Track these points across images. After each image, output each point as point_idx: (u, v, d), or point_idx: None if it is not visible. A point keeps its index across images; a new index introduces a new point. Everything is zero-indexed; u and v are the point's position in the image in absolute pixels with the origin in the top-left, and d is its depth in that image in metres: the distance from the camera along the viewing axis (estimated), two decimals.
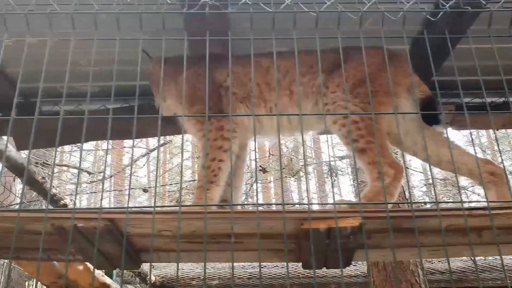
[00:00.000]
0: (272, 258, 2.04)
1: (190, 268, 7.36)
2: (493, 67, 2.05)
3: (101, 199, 1.66)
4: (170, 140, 7.52)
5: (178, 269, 1.77)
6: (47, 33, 1.74)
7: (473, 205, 1.98)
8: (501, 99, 3.27)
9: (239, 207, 2.22)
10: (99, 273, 3.62)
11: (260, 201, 8.81)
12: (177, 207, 1.63)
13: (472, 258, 2.05)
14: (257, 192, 1.96)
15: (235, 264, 7.34)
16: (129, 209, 1.54)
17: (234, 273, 6.99)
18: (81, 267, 3.17)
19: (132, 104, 3.18)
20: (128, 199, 1.66)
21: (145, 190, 6.42)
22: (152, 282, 6.37)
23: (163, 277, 7.24)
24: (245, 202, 7.91)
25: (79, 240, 1.79)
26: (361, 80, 2.27)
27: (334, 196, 1.90)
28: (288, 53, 2.36)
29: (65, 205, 3.92)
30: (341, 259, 1.54)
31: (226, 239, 1.83)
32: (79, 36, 1.78)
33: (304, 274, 6.63)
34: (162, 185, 7.27)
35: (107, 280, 3.78)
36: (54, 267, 3.07)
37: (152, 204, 1.66)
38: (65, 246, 1.86)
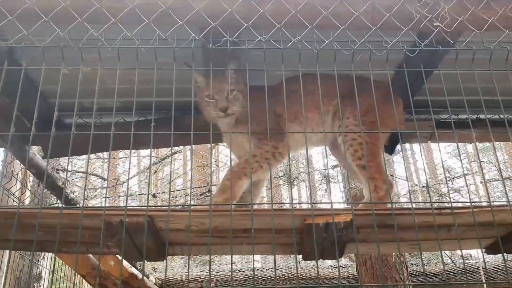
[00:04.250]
0: (278, 250, 2.45)
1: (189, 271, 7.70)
2: (468, 89, 2.51)
3: (148, 200, 2.05)
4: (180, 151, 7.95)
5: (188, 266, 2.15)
6: (98, 63, 2.13)
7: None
8: (475, 116, 3.70)
9: (255, 206, 2.62)
10: (127, 265, 4.00)
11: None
12: (208, 205, 2.03)
13: (440, 252, 2.47)
14: (271, 193, 2.35)
15: (233, 266, 7.69)
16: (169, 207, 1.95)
17: (230, 275, 7.33)
18: (112, 260, 3.54)
19: (148, 118, 3.58)
20: (169, 199, 2.06)
21: (154, 196, 6.82)
22: (153, 283, 6.72)
23: (162, 279, 7.58)
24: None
25: (121, 234, 2.17)
26: (367, 110, 2.71)
27: (330, 197, 2.30)
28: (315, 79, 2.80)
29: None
30: (337, 249, 1.96)
31: (242, 234, 2.23)
32: (123, 66, 2.17)
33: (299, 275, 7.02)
34: (172, 191, 7.67)
35: (134, 271, 4.18)
36: (89, 259, 3.42)
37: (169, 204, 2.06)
38: (107, 239, 2.24)
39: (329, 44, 2.19)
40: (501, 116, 3.29)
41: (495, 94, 2.27)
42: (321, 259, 2.46)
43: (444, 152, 8.53)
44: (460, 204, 2.31)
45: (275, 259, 1.92)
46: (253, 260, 2.05)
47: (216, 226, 2.17)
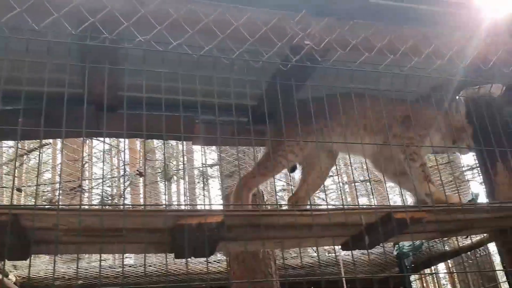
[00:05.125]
0: (151, 249, 2.48)
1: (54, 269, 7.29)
2: None
3: (12, 196, 1.95)
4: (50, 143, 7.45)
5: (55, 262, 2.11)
6: None
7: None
8: None
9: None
10: None
11: (128, 202, 9.11)
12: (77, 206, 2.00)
13: (299, 249, 2.72)
14: (144, 193, 2.37)
15: (102, 263, 7.45)
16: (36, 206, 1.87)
17: (101, 273, 7.11)
18: None
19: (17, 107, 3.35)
20: (36, 197, 1.97)
21: (19, 190, 6.31)
22: (13, 282, 6.26)
23: (24, 277, 7.08)
24: (114, 203, 8.09)
25: None
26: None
27: (204, 198, 2.41)
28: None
29: None
30: (209, 248, 2.06)
31: (114, 233, 2.22)
32: None
33: (171, 271, 7.03)
34: (36, 185, 7.14)
35: None
36: None
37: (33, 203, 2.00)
38: None
39: (210, 51, 2.29)
40: None
41: None
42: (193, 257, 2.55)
43: None
44: (320, 207, 2.55)
45: (145, 258, 1.96)
46: (123, 258, 2.06)
47: (88, 225, 2.14)
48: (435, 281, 13.33)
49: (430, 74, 2.70)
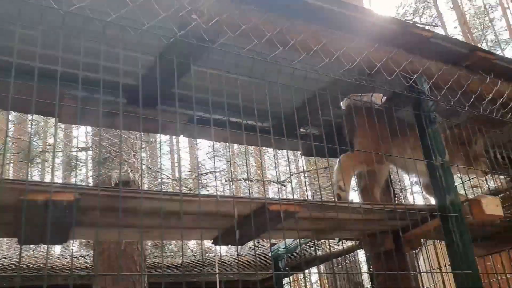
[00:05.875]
0: None
1: None
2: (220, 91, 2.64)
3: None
4: None
5: None
6: None
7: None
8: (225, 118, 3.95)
9: None
10: None
11: None
12: None
13: (162, 240, 2.52)
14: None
15: None
16: None
17: None
18: None
19: None
20: None
21: None
22: None
23: None
24: None
25: None
26: None
27: (53, 172, 2.10)
28: None
29: None
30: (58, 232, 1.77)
31: None
32: None
33: (29, 265, 6.34)
34: None
35: None
36: None
37: None
38: None
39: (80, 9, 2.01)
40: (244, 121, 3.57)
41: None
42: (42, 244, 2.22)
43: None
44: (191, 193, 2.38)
45: None
46: None
47: None
48: (307, 285, 13.88)
49: (316, 71, 2.68)
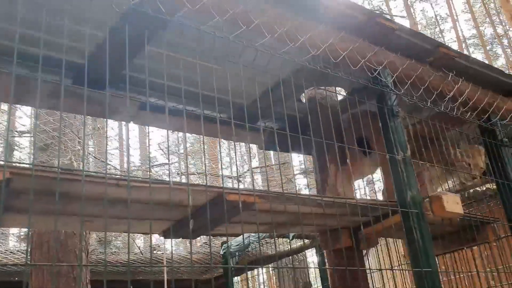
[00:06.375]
0: None
1: None
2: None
3: None
4: None
5: None
6: None
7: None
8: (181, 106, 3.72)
9: None
10: None
11: None
12: None
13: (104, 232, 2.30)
14: None
15: None
16: None
17: None
18: None
19: None
20: None
21: None
22: None
23: None
24: None
25: None
26: None
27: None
28: None
29: None
30: None
31: None
32: None
33: None
34: None
35: None
36: None
37: None
38: None
39: None
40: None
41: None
42: None
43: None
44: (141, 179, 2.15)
45: None
46: None
47: None
48: (255, 285, 13.84)
49: (281, 55, 2.53)
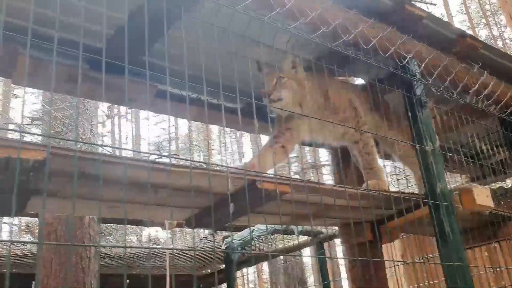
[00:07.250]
0: None
1: None
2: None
3: None
4: None
5: None
6: None
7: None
8: (194, 95, 3.60)
9: None
10: None
11: None
12: None
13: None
14: None
15: None
16: None
17: None
18: None
19: None
20: None
21: None
22: None
23: None
24: None
25: None
26: None
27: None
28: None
29: None
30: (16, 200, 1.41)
31: None
32: None
33: None
34: None
35: None
36: None
37: None
38: None
39: None
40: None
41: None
42: None
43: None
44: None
45: None
46: None
47: None
48: (244, 282, 13.80)
49: (314, 38, 2.43)
